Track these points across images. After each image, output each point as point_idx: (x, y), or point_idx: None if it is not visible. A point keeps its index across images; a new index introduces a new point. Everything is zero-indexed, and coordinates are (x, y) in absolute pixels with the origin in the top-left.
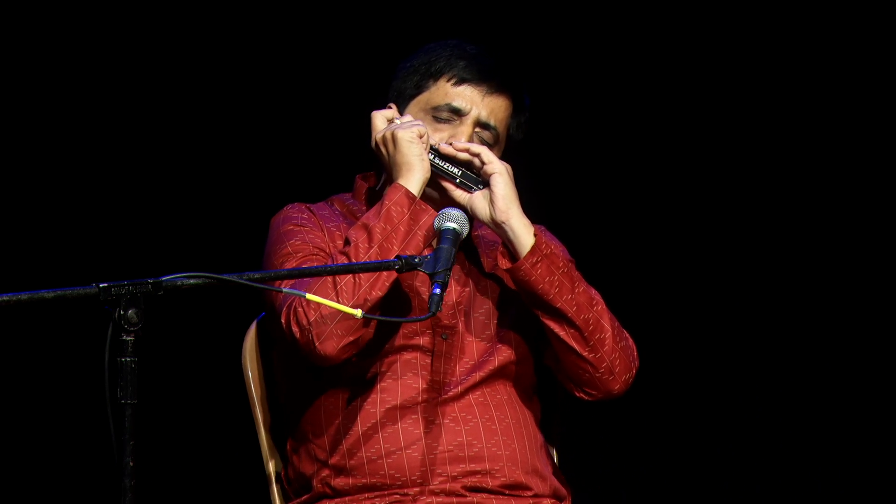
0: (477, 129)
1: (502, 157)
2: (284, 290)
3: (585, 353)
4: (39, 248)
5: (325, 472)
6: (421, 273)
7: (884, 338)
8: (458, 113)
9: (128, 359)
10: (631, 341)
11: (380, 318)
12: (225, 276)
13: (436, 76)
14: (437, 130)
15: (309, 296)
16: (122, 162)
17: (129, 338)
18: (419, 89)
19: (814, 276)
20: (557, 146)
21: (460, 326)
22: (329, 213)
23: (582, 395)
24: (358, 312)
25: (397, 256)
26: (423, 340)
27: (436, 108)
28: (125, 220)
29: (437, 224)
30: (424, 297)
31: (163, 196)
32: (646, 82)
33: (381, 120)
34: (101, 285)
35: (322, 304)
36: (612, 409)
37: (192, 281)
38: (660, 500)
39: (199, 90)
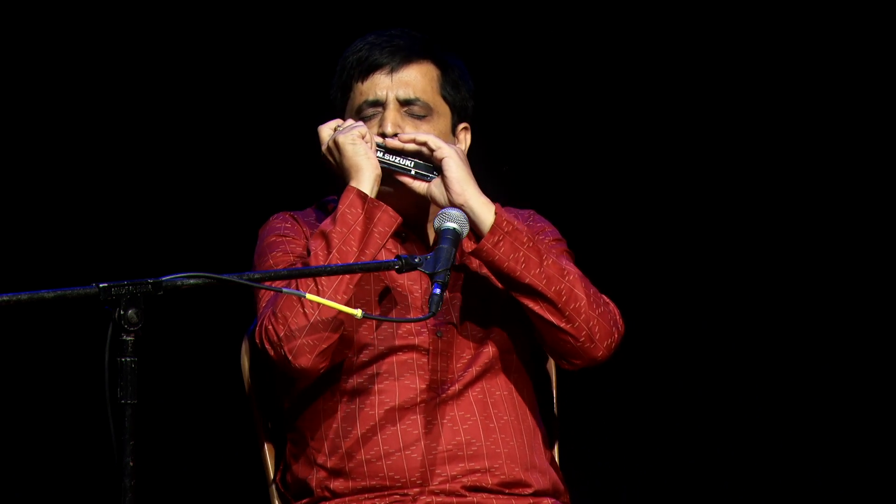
0: (404, 110)
1: (459, 123)
2: (285, 290)
3: (563, 325)
4: (39, 248)
5: (324, 475)
6: (406, 274)
7: (884, 338)
8: (377, 104)
9: (128, 359)
10: (611, 306)
11: (379, 318)
12: (225, 276)
13: (349, 81)
14: (369, 127)
15: (309, 296)
16: (122, 162)
17: (129, 338)
18: (344, 100)
19: (813, 275)
20: (550, 134)
21: (454, 322)
22: (315, 219)
23: (568, 365)
24: (358, 313)
25: (397, 256)
26: (419, 340)
27: (358, 111)
28: (125, 220)
29: (436, 224)
30: (416, 296)
31: (162, 196)
32: (634, 70)
33: (326, 132)
34: (101, 285)
35: (322, 304)
36: (614, 405)
37: (192, 281)
38: (660, 496)
39: (198, 90)
